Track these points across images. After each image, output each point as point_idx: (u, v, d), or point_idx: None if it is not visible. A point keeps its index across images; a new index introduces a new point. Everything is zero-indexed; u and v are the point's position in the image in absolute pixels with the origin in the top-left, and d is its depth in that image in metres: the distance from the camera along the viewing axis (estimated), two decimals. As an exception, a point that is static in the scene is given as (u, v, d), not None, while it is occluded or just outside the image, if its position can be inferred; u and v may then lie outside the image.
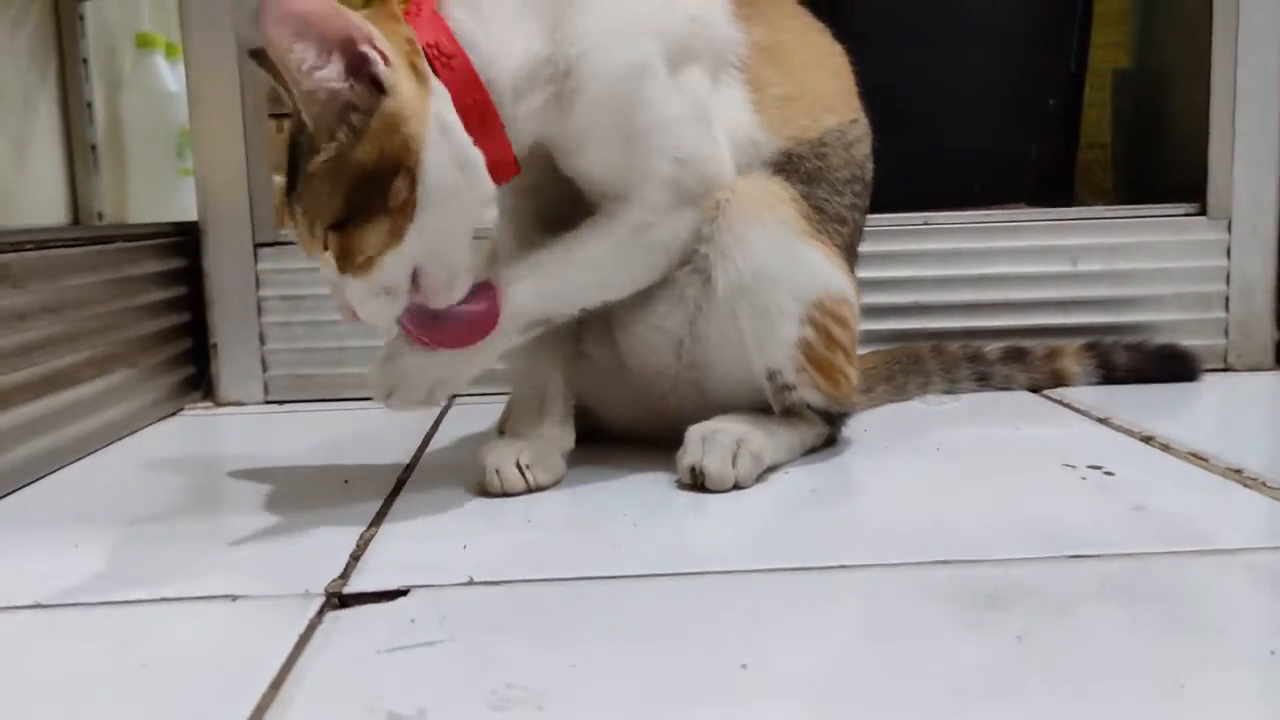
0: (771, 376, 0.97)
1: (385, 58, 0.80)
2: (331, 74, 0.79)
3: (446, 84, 0.83)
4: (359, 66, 0.79)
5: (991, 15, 1.47)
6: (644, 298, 0.96)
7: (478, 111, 0.84)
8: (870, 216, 1.05)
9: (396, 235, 0.81)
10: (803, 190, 0.96)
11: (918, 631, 0.63)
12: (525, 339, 0.92)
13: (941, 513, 0.86)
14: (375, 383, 0.89)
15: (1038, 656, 0.59)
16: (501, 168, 0.87)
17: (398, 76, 0.80)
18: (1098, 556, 0.74)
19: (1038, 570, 0.72)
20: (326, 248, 0.83)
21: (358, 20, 0.79)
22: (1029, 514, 0.85)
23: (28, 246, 1.04)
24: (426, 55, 0.83)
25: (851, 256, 1.02)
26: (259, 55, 0.84)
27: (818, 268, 0.95)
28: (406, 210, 0.81)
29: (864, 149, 1.02)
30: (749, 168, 0.95)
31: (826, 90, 1.01)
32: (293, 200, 0.84)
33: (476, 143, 0.84)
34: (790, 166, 0.96)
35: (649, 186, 0.90)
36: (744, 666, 0.59)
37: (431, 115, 0.81)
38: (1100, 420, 1.13)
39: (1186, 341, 1.34)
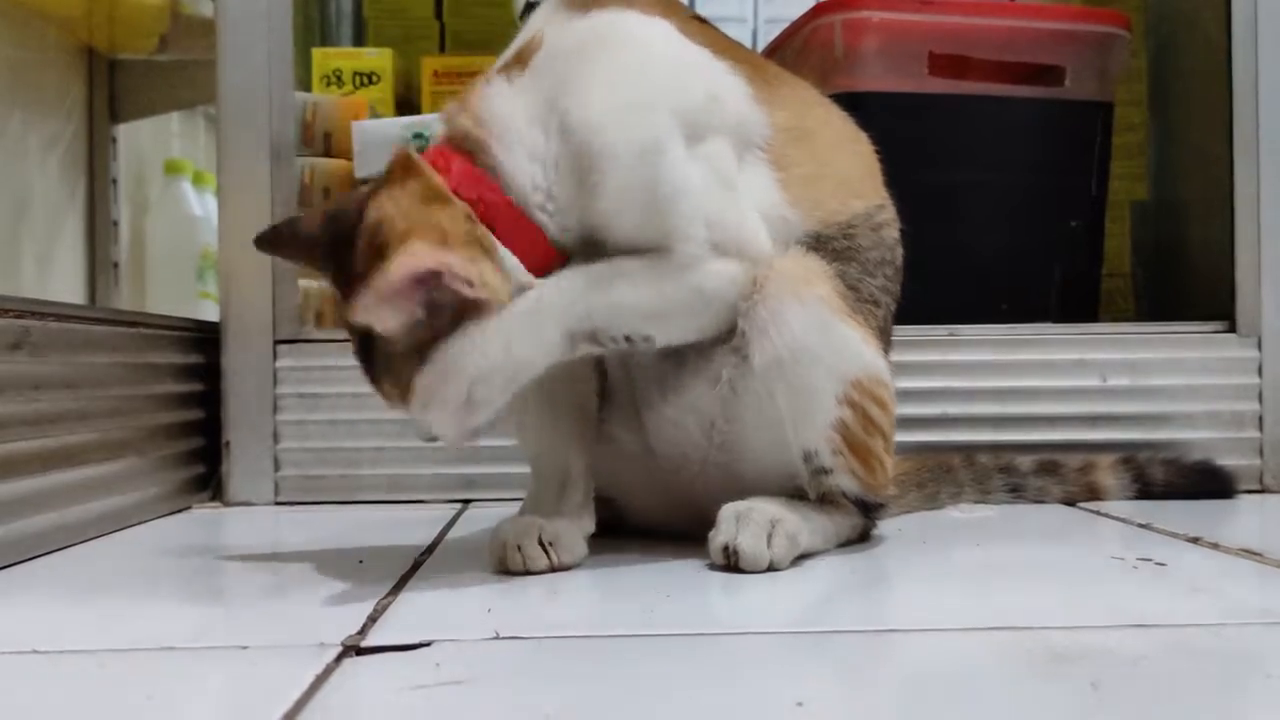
0: (808, 458, 0.94)
1: (470, 281, 0.80)
2: (421, 313, 0.81)
3: (500, 230, 0.85)
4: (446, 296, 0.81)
5: (1013, 137, 1.48)
6: (675, 376, 0.94)
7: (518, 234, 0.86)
8: (894, 327, 1.03)
9: None
10: (837, 269, 0.95)
11: (988, 679, 0.59)
12: (570, 348, 0.87)
13: (992, 592, 0.82)
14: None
15: (1116, 703, 0.55)
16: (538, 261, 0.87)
17: (485, 278, 0.81)
18: (1164, 626, 0.70)
19: (1103, 635, 0.68)
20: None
21: (434, 258, 0.79)
22: (1084, 592, 0.81)
23: (50, 317, 1.02)
24: (478, 215, 0.84)
25: (884, 342, 1.00)
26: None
27: (856, 347, 0.93)
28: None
29: (892, 233, 1.00)
30: (783, 245, 0.94)
31: (853, 174, 1.00)
32: (380, 383, 0.85)
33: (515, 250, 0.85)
34: (820, 245, 0.95)
35: (680, 242, 0.88)
36: (800, 704, 0.54)
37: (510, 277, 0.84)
38: (1141, 526, 1.09)
39: (1220, 461, 1.30)
